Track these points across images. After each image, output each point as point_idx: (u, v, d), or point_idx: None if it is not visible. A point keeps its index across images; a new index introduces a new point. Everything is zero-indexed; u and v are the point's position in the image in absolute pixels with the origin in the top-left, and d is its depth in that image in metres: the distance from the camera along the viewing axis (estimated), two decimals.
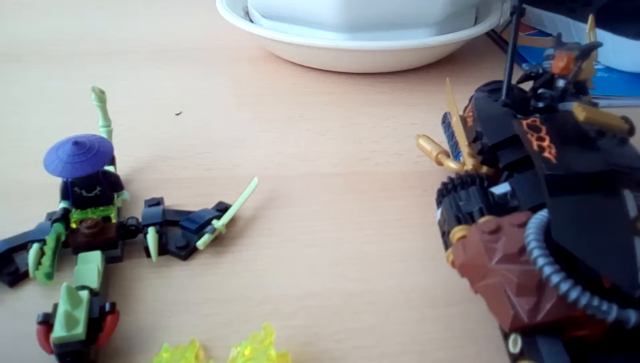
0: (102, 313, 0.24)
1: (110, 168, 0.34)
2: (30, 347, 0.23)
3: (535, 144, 0.24)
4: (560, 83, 0.30)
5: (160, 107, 0.45)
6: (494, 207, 0.25)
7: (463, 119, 0.32)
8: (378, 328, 0.26)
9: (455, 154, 0.33)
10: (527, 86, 0.33)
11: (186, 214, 0.31)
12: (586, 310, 0.19)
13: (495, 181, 0.27)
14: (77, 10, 0.66)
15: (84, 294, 0.24)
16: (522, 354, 0.21)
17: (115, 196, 0.31)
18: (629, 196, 0.22)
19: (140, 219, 0.30)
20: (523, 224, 0.22)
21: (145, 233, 0.29)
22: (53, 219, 0.29)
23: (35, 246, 0.28)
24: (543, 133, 0.25)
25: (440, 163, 0.32)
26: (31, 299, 0.27)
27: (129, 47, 0.56)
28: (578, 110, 0.26)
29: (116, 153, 0.34)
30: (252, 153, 0.39)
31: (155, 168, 0.37)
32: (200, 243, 0.29)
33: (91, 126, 0.36)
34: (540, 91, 0.31)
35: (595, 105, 0.30)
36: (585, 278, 0.20)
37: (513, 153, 0.27)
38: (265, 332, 0.23)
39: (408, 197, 0.34)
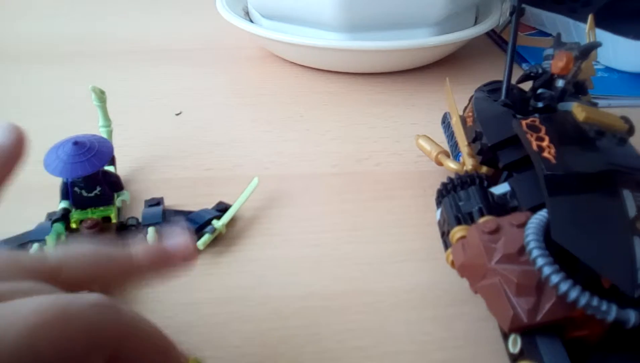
0: None
1: (110, 168, 0.34)
2: None
3: (534, 144, 0.24)
4: (560, 83, 0.30)
5: (160, 107, 0.45)
6: (494, 207, 0.25)
7: (463, 119, 0.32)
8: (378, 328, 0.26)
9: (455, 154, 0.33)
10: (526, 86, 0.33)
11: (186, 214, 0.31)
12: (585, 310, 0.19)
13: (495, 181, 0.27)
14: (77, 10, 0.66)
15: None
16: (521, 354, 0.21)
17: (115, 196, 0.31)
18: (628, 196, 0.22)
19: (140, 220, 0.30)
20: (522, 225, 0.22)
21: (145, 233, 0.29)
22: (53, 219, 0.29)
23: (35, 247, 0.28)
24: (542, 133, 0.25)
25: (440, 163, 0.32)
26: None
27: (129, 47, 0.56)
28: (577, 110, 0.26)
29: (116, 153, 0.34)
30: (252, 153, 0.39)
31: (155, 168, 0.37)
32: (200, 243, 0.29)
33: (91, 126, 0.36)
34: (539, 91, 0.31)
35: (595, 105, 0.30)
36: (585, 278, 0.20)
37: (513, 153, 0.27)
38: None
39: (408, 197, 0.34)
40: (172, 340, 0.19)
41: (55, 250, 0.20)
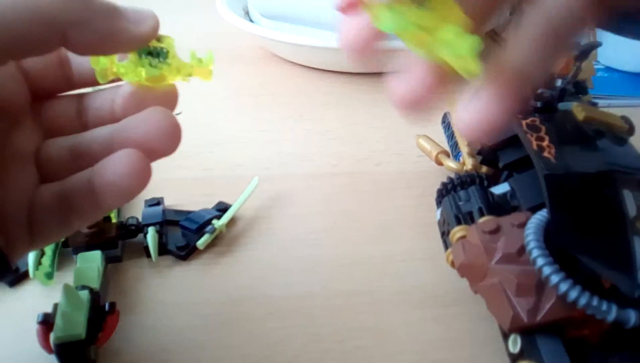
0: (102, 313, 0.24)
1: None
2: (31, 347, 0.23)
3: (534, 144, 0.24)
4: (560, 83, 0.30)
5: None
6: (494, 207, 0.25)
7: None
8: (378, 328, 0.26)
9: (455, 154, 0.33)
10: None
11: (186, 214, 0.31)
12: (585, 310, 0.19)
13: (495, 181, 0.27)
14: None
15: (84, 294, 0.24)
16: (521, 354, 0.21)
17: None
18: (628, 196, 0.22)
19: (140, 219, 0.30)
20: (522, 224, 0.22)
21: (145, 233, 0.29)
22: None
23: None
24: (542, 133, 0.25)
25: (440, 163, 0.32)
26: (31, 299, 0.27)
27: None
28: (577, 110, 0.26)
29: None
30: (252, 153, 0.39)
31: (155, 168, 0.37)
32: (200, 243, 0.29)
33: None
34: (539, 90, 0.31)
35: (595, 105, 0.30)
36: (585, 278, 0.20)
37: (513, 152, 0.27)
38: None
39: (408, 197, 0.34)
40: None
41: None
